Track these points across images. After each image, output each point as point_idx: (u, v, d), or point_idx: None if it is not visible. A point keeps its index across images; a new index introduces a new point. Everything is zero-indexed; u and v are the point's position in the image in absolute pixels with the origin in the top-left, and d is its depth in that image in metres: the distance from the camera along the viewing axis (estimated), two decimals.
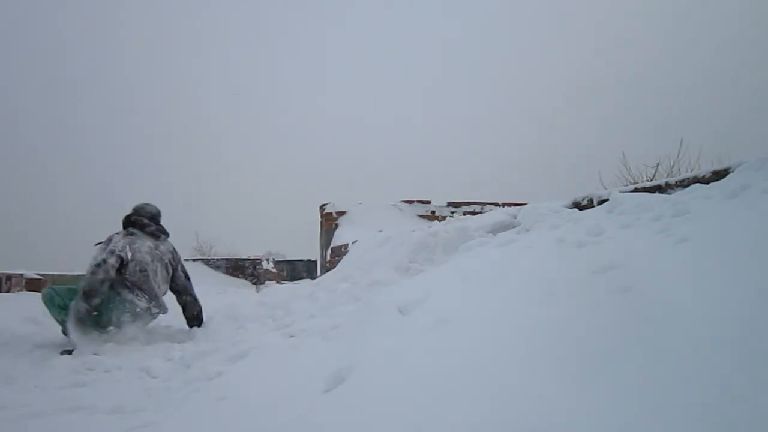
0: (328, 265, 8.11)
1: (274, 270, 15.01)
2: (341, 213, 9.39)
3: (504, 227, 4.11)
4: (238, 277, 14.21)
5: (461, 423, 1.41)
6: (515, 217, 4.24)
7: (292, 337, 3.19)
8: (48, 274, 8.56)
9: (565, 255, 2.31)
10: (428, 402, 1.57)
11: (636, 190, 3.85)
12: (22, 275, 7.90)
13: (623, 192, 3.52)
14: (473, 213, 9.28)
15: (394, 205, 9.85)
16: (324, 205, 9.75)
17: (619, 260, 1.90)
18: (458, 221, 4.74)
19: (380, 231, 6.48)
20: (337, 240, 8.29)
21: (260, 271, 14.65)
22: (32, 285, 7.94)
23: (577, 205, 4.16)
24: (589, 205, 4.01)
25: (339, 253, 7.46)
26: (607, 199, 3.21)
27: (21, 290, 7.74)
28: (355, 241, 6.66)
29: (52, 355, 3.55)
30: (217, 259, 16.05)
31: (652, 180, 9.61)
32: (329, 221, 9.44)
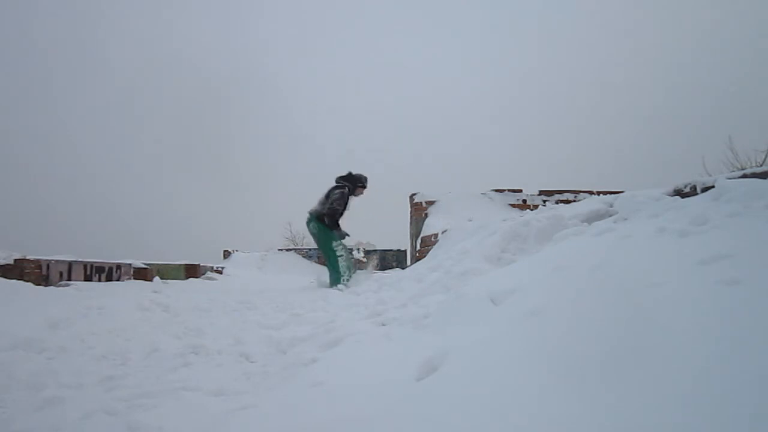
0: (418, 254, 8.13)
1: (365, 259, 15.22)
2: (431, 202, 9.38)
3: (600, 216, 3.98)
4: None
5: (555, 416, 1.38)
6: (612, 206, 4.09)
7: (383, 325, 3.24)
8: (154, 264, 9.01)
9: (667, 245, 2.20)
10: (522, 394, 1.56)
11: (745, 176, 3.60)
12: (130, 264, 8.37)
13: (730, 178, 3.31)
14: (566, 201, 9.03)
15: (485, 194, 9.74)
16: (414, 194, 9.77)
17: (727, 251, 1.80)
18: (551, 210, 4.63)
19: (470, 220, 6.43)
20: (427, 229, 8.29)
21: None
22: (139, 274, 8.39)
23: (679, 193, 3.95)
24: (692, 192, 3.81)
25: (429, 242, 7.46)
26: (712, 186, 3.03)
27: (129, 278, 8.19)
28: (445, 231, 6.64)
29: (159, 339, 3.78)
30: (309, 249, 16.44)
31: (762, 165, 9.01)
32: (419, 211, 9.46)
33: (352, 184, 7.68)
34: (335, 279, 7.42)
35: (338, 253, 7.44)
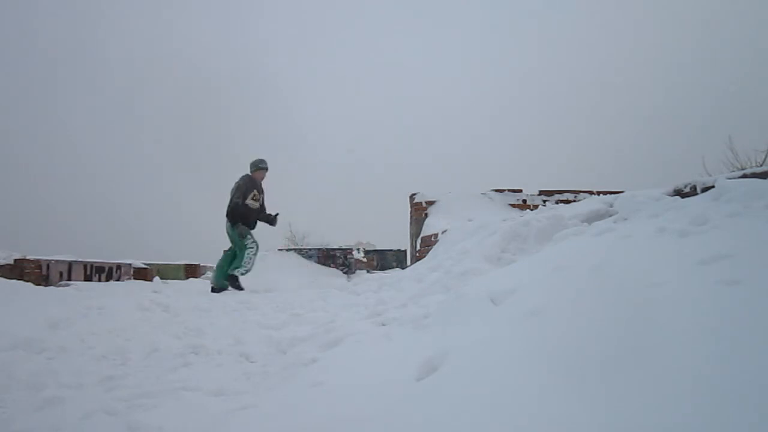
0: (418, 254, 8.12)
1: (365, 259, 15.19)
2: (431, 202, 9.36)
3: (600, 216, 3.98)
4: (330, 267, 14.53)
5: (555, 416, 1.38)
6: (612, 206, 4.09)
7: (383, 325, 3.23)
8: (154, 264, 9.02)
9: (667, 245, 2.20)
10: (522, 394, 1.56)
11: (745, 176, 3.60)
12: (130, 264, 8.39)
13: (730, 178, 3.31)
14: (566, 201, 9.02)
15: (485, 194, 9.72)
16: (414, 194, 9.76)
17: (727, 251, 1.80)
18: (551, 210, 4.63)
19: (470, 220, 6.42)
20: (427, 230, 8.28)
21: (351, 260, 14.89)
22: (139, 274, 8.40)
23: (679, 193, 3.95)
24: (692, 192, 3.80)
25: (429, 242, 7.45)
26: (712, 186, 3.03)
27: (129, 278, 8.20)
28: (445, 231, 6.64)
29: (159, 339, 3.78)
30: (309, 249, 16.44)
31: (762, 165, 9.01)
32: (419, 211, 9.44)
33: (250, 172, 7.87)
34: (235, 265, 7.78)
35: (248, 246, 7.68)
